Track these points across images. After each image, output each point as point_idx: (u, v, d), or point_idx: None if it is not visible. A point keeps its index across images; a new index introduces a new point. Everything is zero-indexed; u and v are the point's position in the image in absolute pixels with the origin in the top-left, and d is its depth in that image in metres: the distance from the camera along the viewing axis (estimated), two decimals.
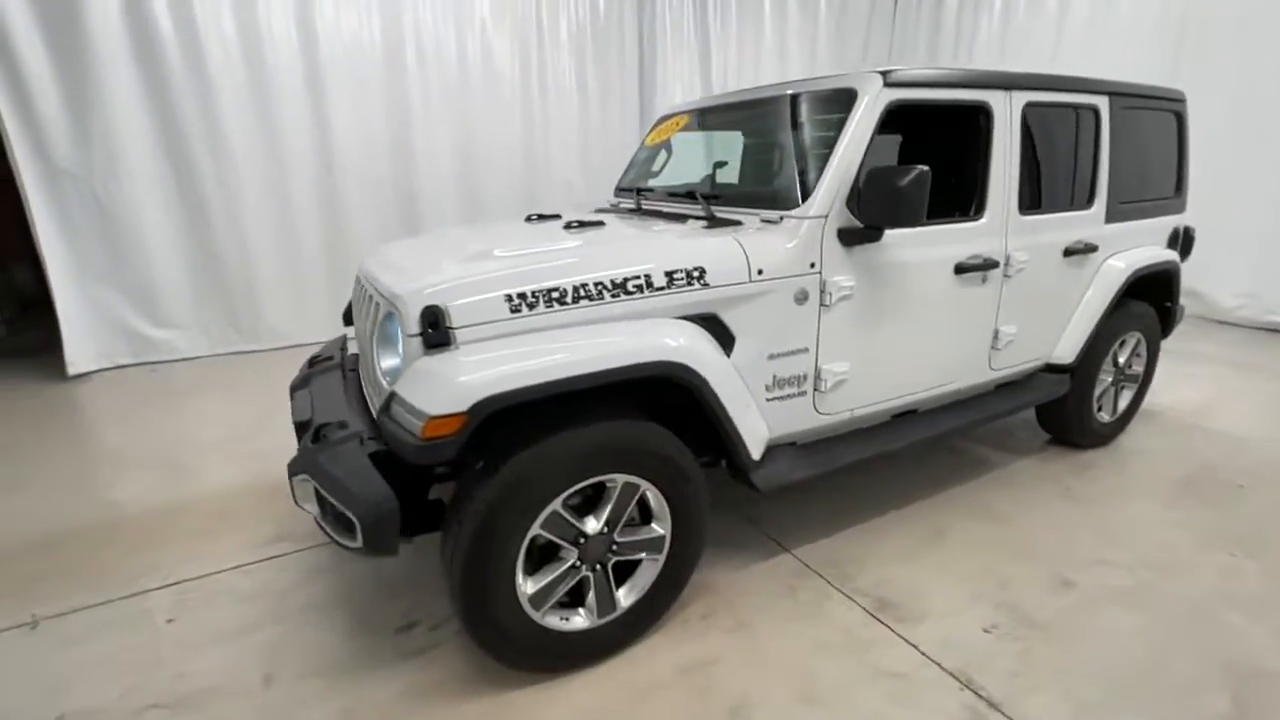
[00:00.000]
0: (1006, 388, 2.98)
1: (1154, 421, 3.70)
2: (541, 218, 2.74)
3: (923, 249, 2.38)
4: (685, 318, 1.97)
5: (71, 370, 4.61)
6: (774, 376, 2.18)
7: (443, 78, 5.50)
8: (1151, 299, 3.33)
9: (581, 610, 1.90)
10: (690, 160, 3.18)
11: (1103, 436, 3.35)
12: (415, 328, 1.68)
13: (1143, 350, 3.35)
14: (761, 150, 2.65)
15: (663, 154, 3.27)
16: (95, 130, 4.47)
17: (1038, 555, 2.47)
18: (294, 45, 4.93)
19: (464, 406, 1.53)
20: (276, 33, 4.86)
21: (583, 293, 1.81)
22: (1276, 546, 2.52)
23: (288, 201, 5.16)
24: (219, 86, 4.74)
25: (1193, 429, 3.61)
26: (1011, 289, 2.68)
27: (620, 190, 3.27)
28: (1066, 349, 3.00)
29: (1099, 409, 3.28)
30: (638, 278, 1.88)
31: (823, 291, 2.17)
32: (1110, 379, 3.27)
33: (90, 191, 4.54)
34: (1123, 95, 2.93)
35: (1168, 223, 3.32)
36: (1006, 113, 2.50)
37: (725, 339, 2.05)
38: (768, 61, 7.10)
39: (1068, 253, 2.83)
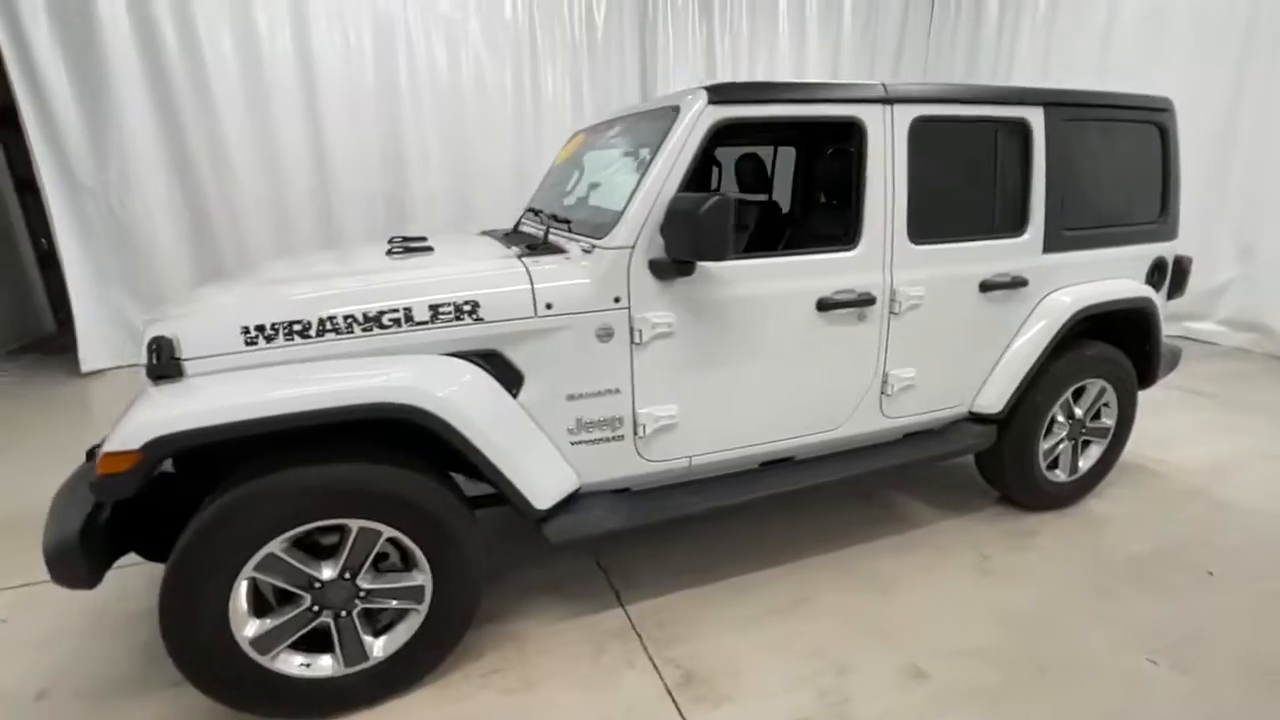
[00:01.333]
0: (918, 436, 2.63)
1: (1146, 483, 3.16)
2: (406, 240, 2.66)
3: (771, 282, 2.14)
4: (462, 354, 1.85)
5: (84, 367, 5.06)
6: (578, 419, 2.01)
7: (435, 95, 5.63)
8: (1122, 341, 2.85)
9: (328, 657, 1.81)
10: (590, 180, 3.05)
11: (1058, 498, 2.89)
12: (144, 358, 1.66)
13: (1111, 401, 2.86)
14: (606, 172, 2.48)
15: (575, 173, 3.16)
16: (112, 151, 4.90)
17: (901, 637, 2.14)
18: (292, 70, 5.21)
19: (135, 444, 1.49)
20: (277, 57, 5.15)
21: (329, 326, 1.73)
22: (1218, 659, 2.05)
23: (285, 215, 5.45)
24: (221, 112, 5.08)
25: (1191, 495, 3.05)
26: (903, 328, 2.36)
27: (528, 210, 3.18)
28: (991, 397, 2.60)
29: (1052, 466, 2.83)
30: (395, 311, 1.78)
31: (633, 329, 1.98)
32: (1065, 433, 2.81)
33: (106, 205, 4.98)
34: (1066, 105, 2.52)
35: (1146, 252, 2.83)
36: (884, 129, 2.20)
37: (511, 377, 1.91)
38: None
39: (986, 287, 2.45)
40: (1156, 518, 2.85)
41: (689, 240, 1.81)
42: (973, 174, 2.44)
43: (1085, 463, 2.92)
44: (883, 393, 2.41)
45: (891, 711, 1.85)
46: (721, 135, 2.01)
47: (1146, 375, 2.98)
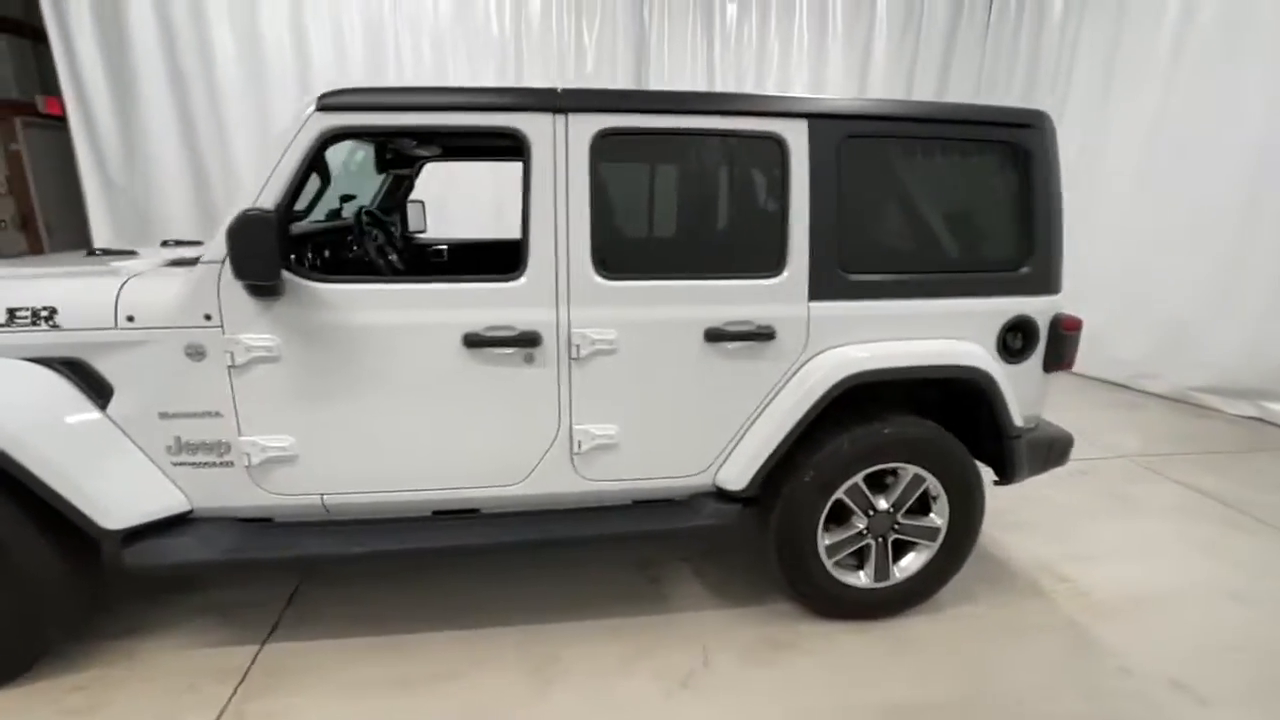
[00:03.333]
0: (655, 505, 2.22)
1: (1014, 606, 2.45)
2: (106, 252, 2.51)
3: (403, 312, 1.89)
4: (43, 360, 1.82)
5: None
6: (176, 439, 1.90)
7: None
8: (959, 418, 2.22)
9: None
10: None
11: (864, 606, 2.30)
12: None
13: (940, 494, 2.23)
14: None
15: None
16: (139, 154, 5.59)
17: None
18: (291, 77, 5.61)
19: None
20: (279, 69, 5.59)
21: None
22: None
23: None
24: (230, 119, 5.60)
25: (1065, 637, 2.30)
26: (591, 377, 1.99)
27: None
28: (734, 471, 2.13)
29: (853, 567, 2.27)
30: None
31: (227, 351, 1.84)
32: (865, 527, 2.23)
33: (132, 201, 5.69)
34: (847, 119, 2.01)
35: (999, 308, 2.19)
36: (554, 143, 1.88)
37: (99, 388, 1.85)
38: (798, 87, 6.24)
39: (715, 336, 2.01)
40: (979, 660, 2.17)
41: (233, 259, 1.65)
42: (696, 199, 2.02)
43: (904, 569, 2.30)
44: (574, 451, 2.05)
45: None
46: (332, 143, 1.82)
47: (1002, 466, 2.30)
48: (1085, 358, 5.68)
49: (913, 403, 2.32)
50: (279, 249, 1.66)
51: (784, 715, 1.93)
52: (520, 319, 1.92)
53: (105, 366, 1.85)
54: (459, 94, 1.87)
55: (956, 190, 2.19)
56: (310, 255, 2.38)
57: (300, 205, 2.14)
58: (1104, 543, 2.91)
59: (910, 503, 2.23)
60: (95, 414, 1.85)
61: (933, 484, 2.21)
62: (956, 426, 2.26)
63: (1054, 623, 2.36)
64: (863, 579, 2.28)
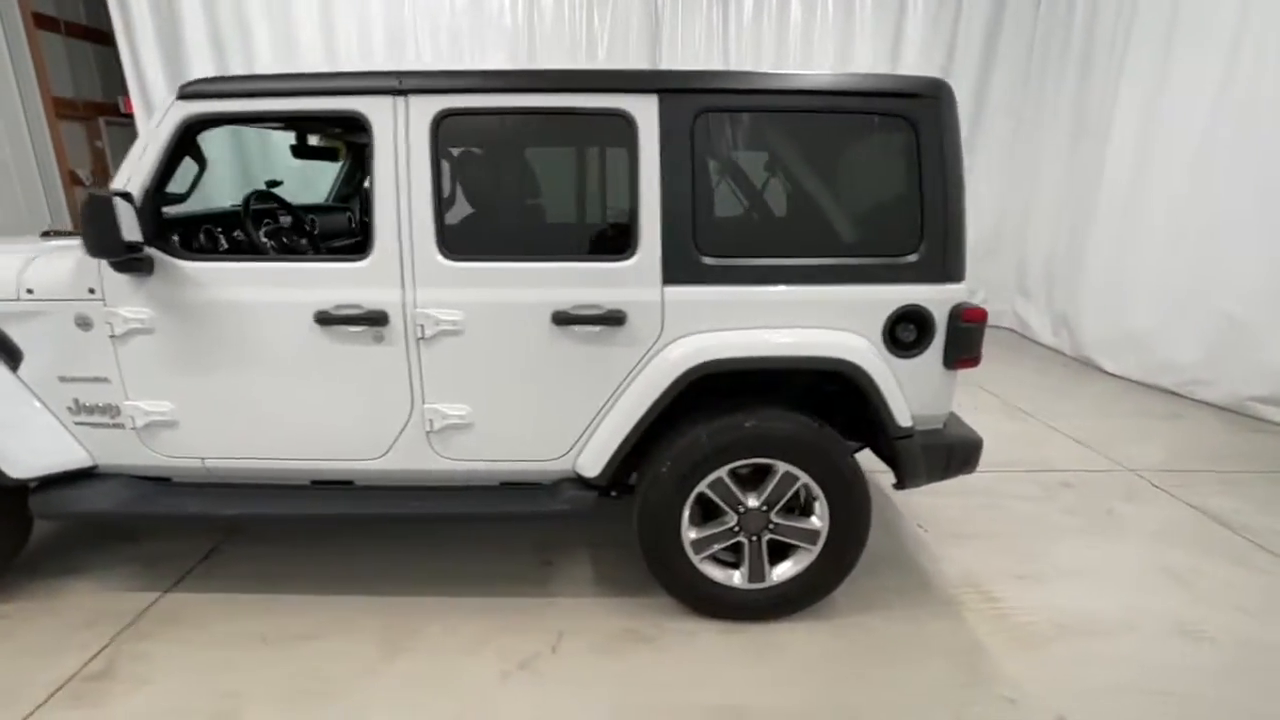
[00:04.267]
0: (514, 487, 2.22)
1: (936, 623, 2.26)
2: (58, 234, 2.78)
3: (259, 289, 2.00)
4: None
5: None
6: (75, 400, 2.11)
7: None
8: (837, 410, 2.07)
9: None
10: None
11: (739, 608, 2.20)
12: None
13: (819, 496, 2.09)
14: None
15: None
16: None
17: (307, 704, 1.86)
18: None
19: None
20: (311, 66, 5.98)
21: None
22: None
23: None
24: None
25: (964, 652, 2.10)
26: (439, 357, 2.02)
27: None
28: (589, 458, 2.09)
29: (731, 565, 2.18)
30: None
31: (108, 322, 2.02)
32: (735, 525, 2.13)
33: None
34: (702, 93, 1.90)
35: (886, 296, 2.01)
36: (396, 126, 1.90)
37: (12, 352, 2.08)
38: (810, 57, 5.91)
39: (563, 320, 1.98)
40: (847, 674, 2.02)
41: (82, 237, 1.80)
42: (543, 179, 1.98)
43: (782, 571, 2.18)
44: (428, 430, 2.09)
45: None
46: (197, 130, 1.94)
47: (901, 467, 2.12)
48: (1133, 361, 5.14)
49: (811, 397, 2.19)
50: (125, 227, 1.79)
51: (612, 709, 1.88)
52: (367, 299, 1.98)
53: (15, 333, 2.08)
54: (304, 80, 1.94)
55: (833, 168, 2.02)
56: (203, 238, 2.54)
57: (182, 189, 2.28)
58: (1059, 563, 2.62)
59: (784, 501, 2.11)
60: (7, 375, 2.09)
61: (808, 484, 2.07)
62: (860, 425, 2.11)
63: (954, 644, 2.16)
64: (736, 579, 2.18)
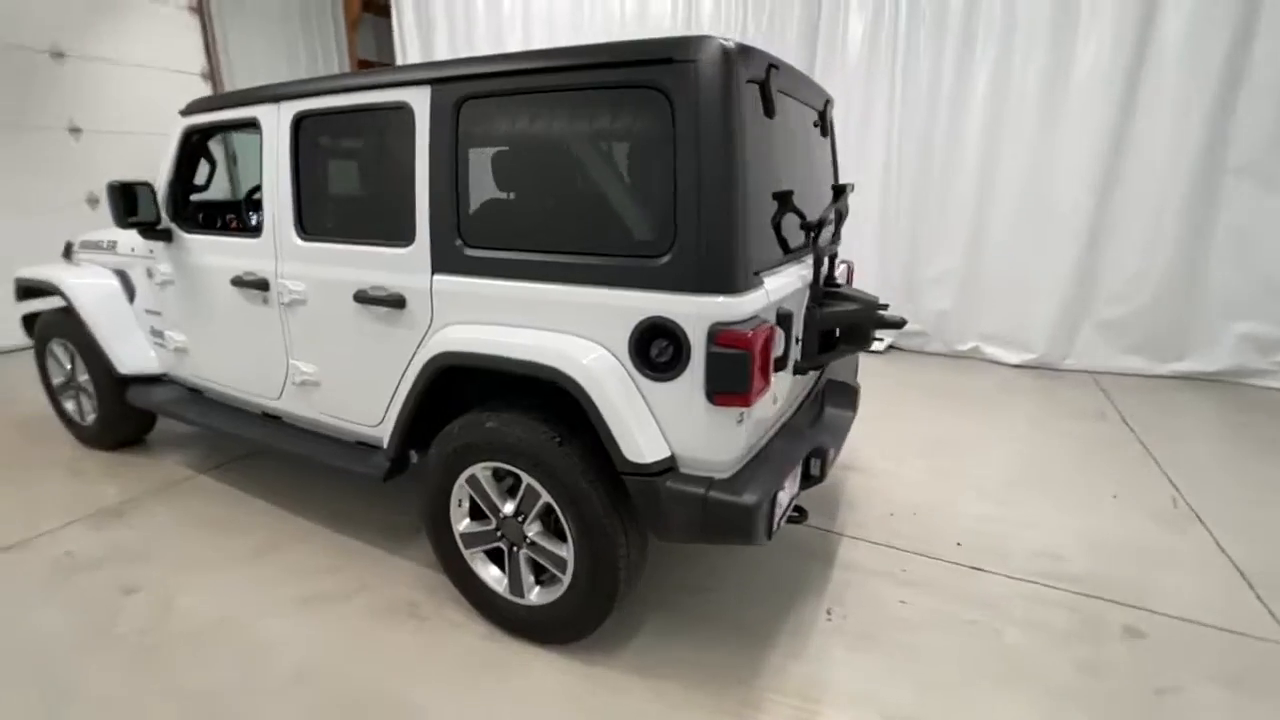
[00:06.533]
0: (355, 444, 2.45)
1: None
2: None
3: (208, 256, 2.63)
4: (115, 270, 3.17)
5: None
6: (150, 327, 3.06)
7: None
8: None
9: None
10: None
11: (505, 614, 2.09)
12: None
13: (568, 519, 1.85)
14: None
15: None
16: None
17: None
18: None
19: None
20: None
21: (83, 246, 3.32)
22: None
23: None
24: None
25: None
26: (294, 320, 2.38)
27: None
28: (385, 429, 2.21)
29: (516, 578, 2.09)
30: (102, 242, 3.21)
31: (154, 274, 2.88)
32: (494, 526, 2.03)
33: None
34: (464, 79, 1.85)
35: (628, 304, 1.69)
36: (274, 126, 2.29)
37: (130, 290, 3.12)
38: None
39: (362, 299, 2.14)
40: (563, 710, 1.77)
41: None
42: (358, 170, 2.15)
43: (539, 595, 2.01)
44: (290, 381, 2.48)
45: None
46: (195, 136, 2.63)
47: (652, 514, 1.77)
48: None
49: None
50: (143, 208, 2.58)
51: (303, 662, 2.01)
52: (258, 267, 2.45)
53: (132, 276, 3.10)
54: (232, 95, 2.47)
55: (588, 154, 1.75)
56: (201, 217, 3.25)
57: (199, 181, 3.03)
58: None
59: (535, 516, 1.94)
60: (126, 304, 3.13)
61: (552, 503, 1.87)
62: None
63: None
64: (501, 586, 2.08)
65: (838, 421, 2.47)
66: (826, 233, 2.26)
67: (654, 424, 1.73)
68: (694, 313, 1.62)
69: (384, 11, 7.81)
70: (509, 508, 1.98)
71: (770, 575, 2.45)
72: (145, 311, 3.09)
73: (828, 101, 2.49)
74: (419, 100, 1.96)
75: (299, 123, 2.26)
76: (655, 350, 1.70)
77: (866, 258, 5.41)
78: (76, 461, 3.34)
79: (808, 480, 2.03)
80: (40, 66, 5.03)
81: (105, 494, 3.02)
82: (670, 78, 1.58)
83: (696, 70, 1.56)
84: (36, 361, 3.47)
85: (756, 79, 1.70)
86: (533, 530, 1.96)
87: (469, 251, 1.93)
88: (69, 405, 3.45)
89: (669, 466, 1.74)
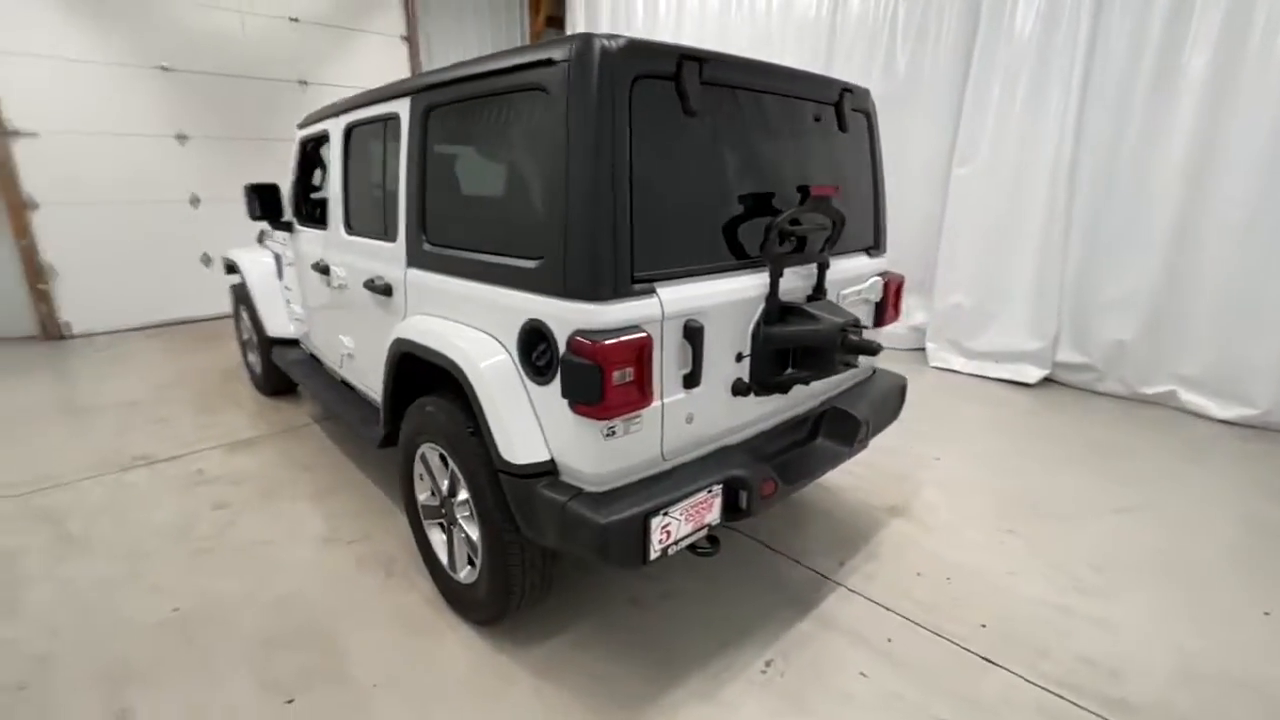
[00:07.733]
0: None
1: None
2: None
3: (306, 245, 3.17)
4: (274, 253, 3.97)
5: None
6: (287, 301, 3.78)
7: None
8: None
9: None
10: None
11: (447, 590, 2.25)
12: None
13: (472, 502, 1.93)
14: None
15: None
16: None
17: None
18: None
19: None
20: None
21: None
22: None
23: None
24: None
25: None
26: (342, 301, 2.78)
27: None
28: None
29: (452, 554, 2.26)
30: None
31: (286, 257, 3.55)
32: (438, 501, 2.18)
33: None
34: (433, 88, 2.00)
35: (515, 304, 1.72)
36: (336, 137, 2.70)
37: (280, 269, 3.89)
38: None
39: (369, 286, 2.44)
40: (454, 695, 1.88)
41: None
42: (370, 174, 2.44)
43: (466, 574, 2.12)
44: (344, 353, 2.89)
45: None
46: (309, 145, 3.19)
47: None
48: None
49: None
50: (263, 204, 3.21)
51: (256, 592, 2.36)
52: (325, 256, 2.91)
53: (282, 258, 3.87)
54: (317, 112, 2.94)
55: (499, 154, 1.78)
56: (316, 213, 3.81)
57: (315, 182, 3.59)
58: None
59: (460, 501, 2.05)
60: (277, 280, 3.91)
61: (467, 491, 1.97)
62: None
63: None
64: (445, 558, 2.24)
65: (820, 454, 2.19)
66: (820, 239, 2.02)
67: (537, 427, 1.73)
68: (557, 317, 1.60)
69: (564, 26, 8.53)
70: (446, 486, 2.13)
71: (731, 608, 2.27)
72: (284, 288, 3.83)
73: (844, 93, 2.19)
74: (404, 110, 2.18)
75: (349, 132, 2.65)
76: (536, 353, 1.70)
77: (1014, 272, 4.57)
78: (246, 402, 4.27)
79: (734, 512, 1.85)
80: (288, 93, 6.44)
81: (246, 428, 3.83)
82: (549, 78, 1.57)
83: (568, 70, 1.52)
84: (234, 323, 4.51)
85: (658, 74, 1.59)
86: (460, 513, 2.08)
87: (427, 247, 2.10)
88: (250, 358, 4.42)
89: (548, 470, 1.73)
